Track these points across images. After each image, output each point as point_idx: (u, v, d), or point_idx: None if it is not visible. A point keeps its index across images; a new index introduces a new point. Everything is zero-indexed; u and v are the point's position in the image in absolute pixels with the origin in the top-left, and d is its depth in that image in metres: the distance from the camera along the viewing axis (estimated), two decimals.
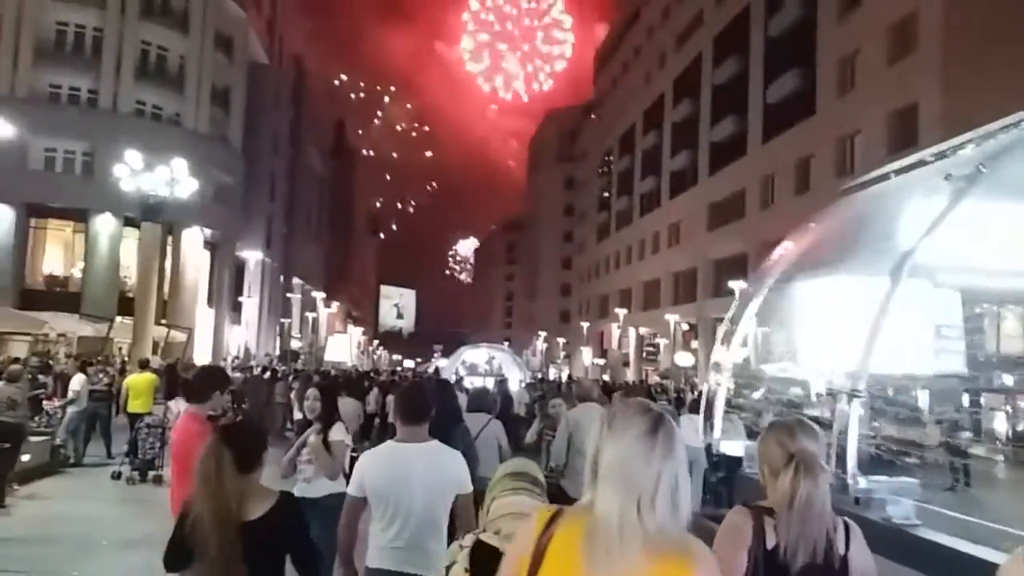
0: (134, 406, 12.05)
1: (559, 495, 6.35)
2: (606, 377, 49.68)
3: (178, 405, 9.38)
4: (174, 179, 26.43)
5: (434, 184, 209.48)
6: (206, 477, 2.94)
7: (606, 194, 70.02)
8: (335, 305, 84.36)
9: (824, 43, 32.55)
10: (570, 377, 41.33)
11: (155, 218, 26.91)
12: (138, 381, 12.55)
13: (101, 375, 13.20)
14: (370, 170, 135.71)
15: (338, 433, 5.28)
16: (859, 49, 29.87)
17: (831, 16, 32.13)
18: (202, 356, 36.95)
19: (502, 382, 23.16)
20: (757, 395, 5.86)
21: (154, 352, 30.30)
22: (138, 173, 25.96)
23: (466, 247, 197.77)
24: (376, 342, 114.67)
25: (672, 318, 43.67)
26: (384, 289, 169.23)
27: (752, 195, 38.57)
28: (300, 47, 63.34)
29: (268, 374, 23.34)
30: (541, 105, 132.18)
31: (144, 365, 14.10)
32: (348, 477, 5.13)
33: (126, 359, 25.70)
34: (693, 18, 49.77)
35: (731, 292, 37.35)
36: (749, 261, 37.50)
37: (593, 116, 79.33)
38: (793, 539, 2.33)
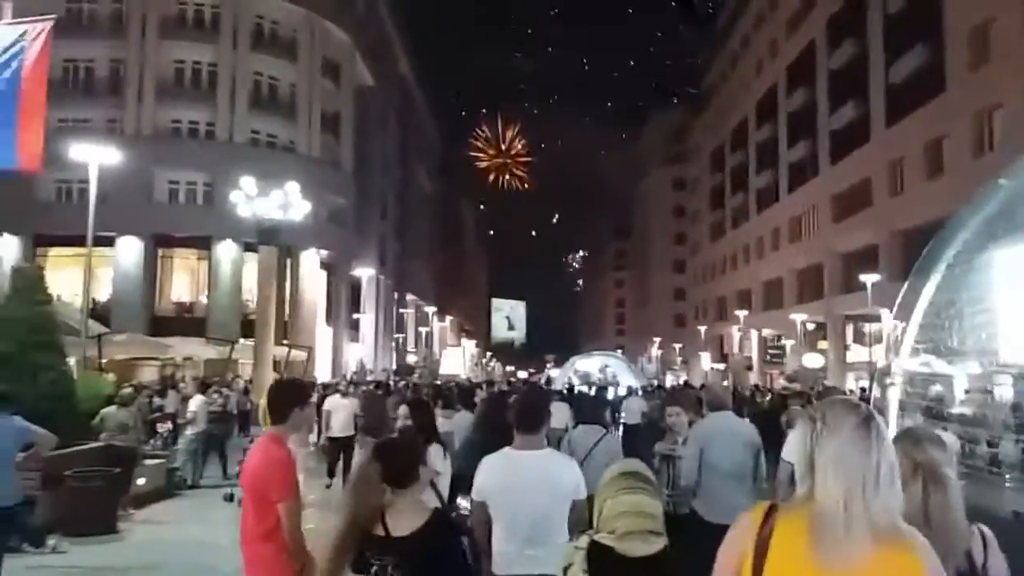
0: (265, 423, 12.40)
1: (690, 518, 5.74)
2: (727, 382, 47.80)
3: None
4: (288, 202, 26.97)
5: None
6: (354, 492, 3.01)
7: (720, 192, 67.74)
8: (448, 319, 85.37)
9: (952, 15, 30.08)
10: (687, 383, 39.85)
11: (272, 241, 27.47)
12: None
13: (216, 396, 13.19)
14: (477, 185, 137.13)
15: (429, 457, 4.43)
16: (993, 17, 27.40)
17: None
18: (323, 373, 37.76)
19: (602, 389, 22.33)
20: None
21: (275, 371, 31.13)
22: (253, 198, 26.63)
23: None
24: (489, 354, 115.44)
25: (798, 317, 41.44)
26: (495, 302, 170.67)
27: (879, 183, 36.12)
28: (404, 67, 64.42)
29: (382, 389, 23.12)
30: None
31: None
32: (445, 502, 4.55)
33: (249, 380, 26.27)
34: (804, 2, 47.44)
35: (862, 287, 35.19)
36: (881, 252, 35.21)
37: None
38: (940, 556, 2.02)
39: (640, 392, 20.81)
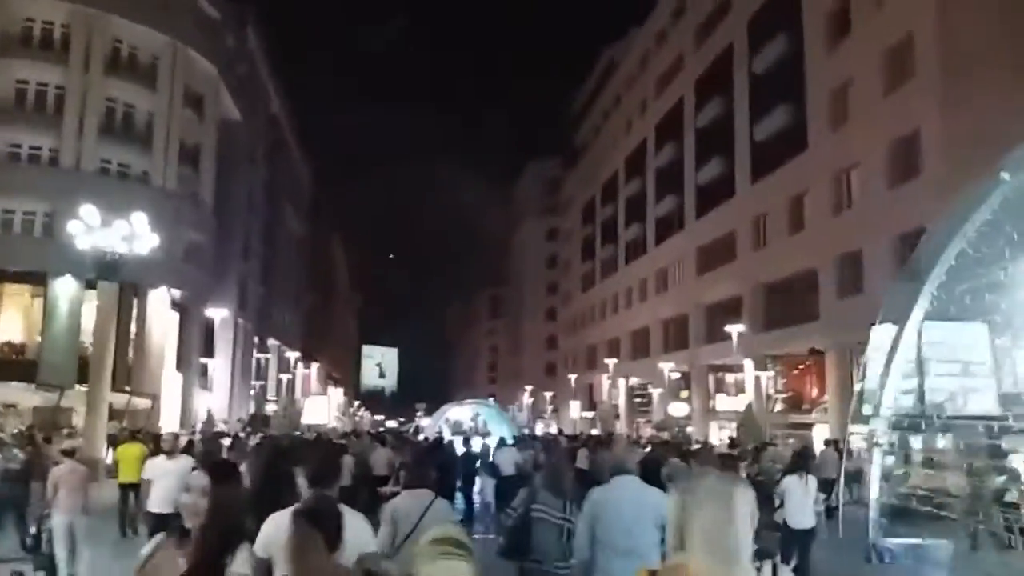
0: (125, 476, 12.35)
1: None
2: (595, 430, 47.68)
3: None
4: (133, 234, 24.68)
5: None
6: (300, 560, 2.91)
7: (591, 243, 68.76)
8: (314, 367, 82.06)
9: (814, 76, 31.60)
10: (560, 432, 39.32)
11: (112, 277, 24.95)
12: (129, 451, 13.04)
13: (16, 451, 11.21)
14: (349, 231, 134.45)
15: (239, 565, 2.98)
16: (852, 78, 28.85)
17: (819, 48, 31.24)
18: (170, 423, 34.76)
19: (466, 440, 21.20)
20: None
21: (114, 420, 28.26)
22: (95, 229, 24.23)
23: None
24: (358, 403, 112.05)
25: (665, 366, 41.91)
26: (366, 348, 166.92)
27: (743, 236, 37.25)
28: (276, 107, 62.29)
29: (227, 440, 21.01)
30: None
31: (134, 434, 15.55)
32: None
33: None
34: (673, 63, 49.23)
35: (726, 337, 35.90)
36: (744, 304, 36.09)
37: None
38: None
39: (512, 442, 19.79)
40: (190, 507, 3.06)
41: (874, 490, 10.64)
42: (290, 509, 3.29)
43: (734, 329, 31.44)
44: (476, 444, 19.87)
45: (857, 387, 28.56)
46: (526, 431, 41.57)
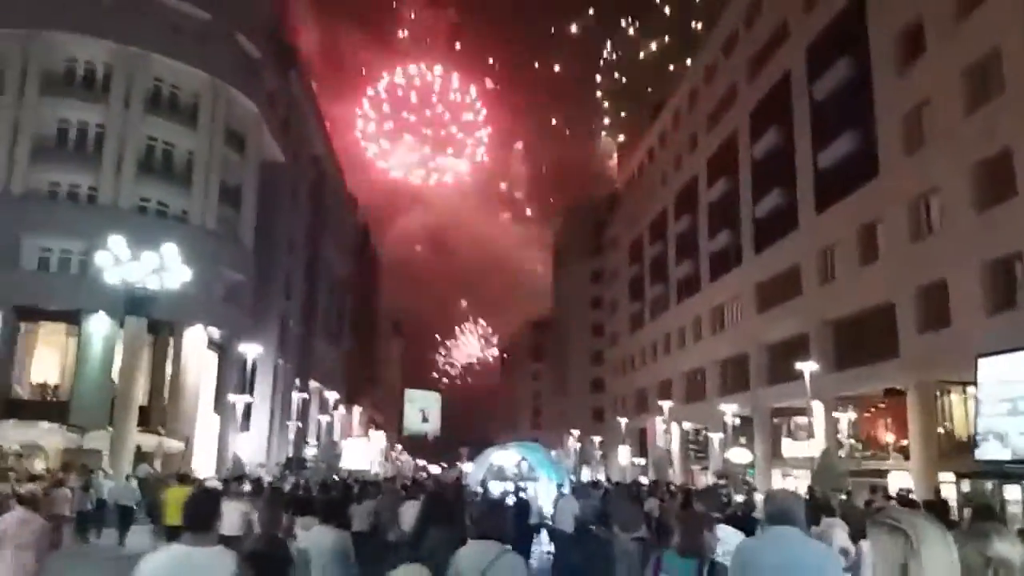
0: (173, 519, 12.12)
1: None
2: (644, 479, 45.14)
3: None
4: (163, 267, 23.49)
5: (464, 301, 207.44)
6: None
7: (639, 282, 66.60)
8: (356, 410, 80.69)
9: (883, 99, 29.51)
10: (608, 480, 36.83)
11: (141, 312, 23.78)
12: (177, 494, 13.20)
13: None
14: (394, 274, 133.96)
15: None
16: (928, 99, 26.75)
17: (889, 70, 29.22)
18: (206, 467, 33.38)
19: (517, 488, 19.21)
20: None
21: (142, 462, 26.99)
22: (124, 263, 23.10)
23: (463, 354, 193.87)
24: (400, 447, 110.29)
25: (729, 408, 39.28)
26: (408, 392, 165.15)
27: (809, 270, 34.91)
28: (319, 147, 61.90)
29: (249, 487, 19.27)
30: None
31: (183, 479, 16.14)
32: None
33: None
34: (725, 96, 47.48)
35: (790, 378, 33.47)
36: (811, 342, 33.66)
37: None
38: None
39: (571, 490, 17.72)
40: None
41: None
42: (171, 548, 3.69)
43: (806, 367, 28.95)
44: (533, 490, 17.78)
45: (940, 429, 26.06)
46: (572, 477, 39.24)
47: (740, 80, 44.89)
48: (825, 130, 33.77)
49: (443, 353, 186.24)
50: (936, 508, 14.66)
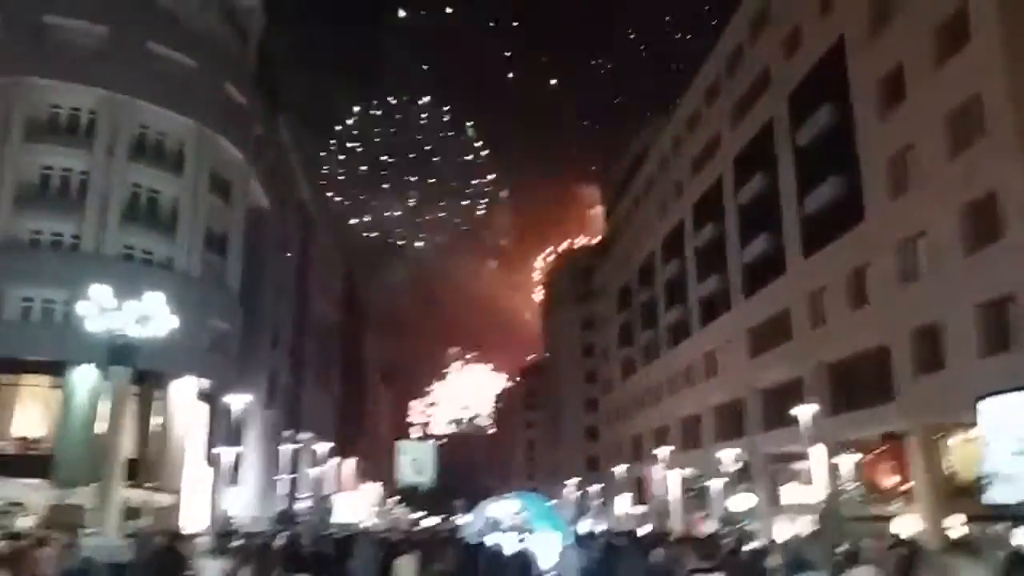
0: None
1: None
2: (642, 528, 44.33)
3: None
4: (147, 315, 23.14)
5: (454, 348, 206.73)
6: None
7: (628, 329, 66.39)
8: (349, 461, 79.51)
9: (866, 144, 29.83)
10: (609, 531, 36.06)
11: (126, 362, 23.33)
12: None
13: None
14: (382, 323, 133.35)
15: None
16: (911, 144, 27.02)
17: (871, 115, 29.57)
18: (196, 522, 32.59)
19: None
20: None
21: (129, 519, 26.37)
22: (107, 311, 22.76)
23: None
24: (393, 499, 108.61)
25: (728, 454, 38.74)
26: (400, 444, 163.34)
27: (799, 314, 34.84)
28: (306, 194, 62.01)
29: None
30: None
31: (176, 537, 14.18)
32: None
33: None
34: (709, 143, 48.00)
35: (787, 422, 33.15)
36: (805, 387, 33.41)
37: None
38: None
39: (572, 541, 17.30)
40: None
41: None
42: None
43: (802, 412, 28.63)
44: (532, 542, 17.24)
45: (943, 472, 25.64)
46: (572, 529, 38.47)
47: (724, 128, 45.40)
48: (810, 175, 34.05)
49: (431, 403, 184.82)
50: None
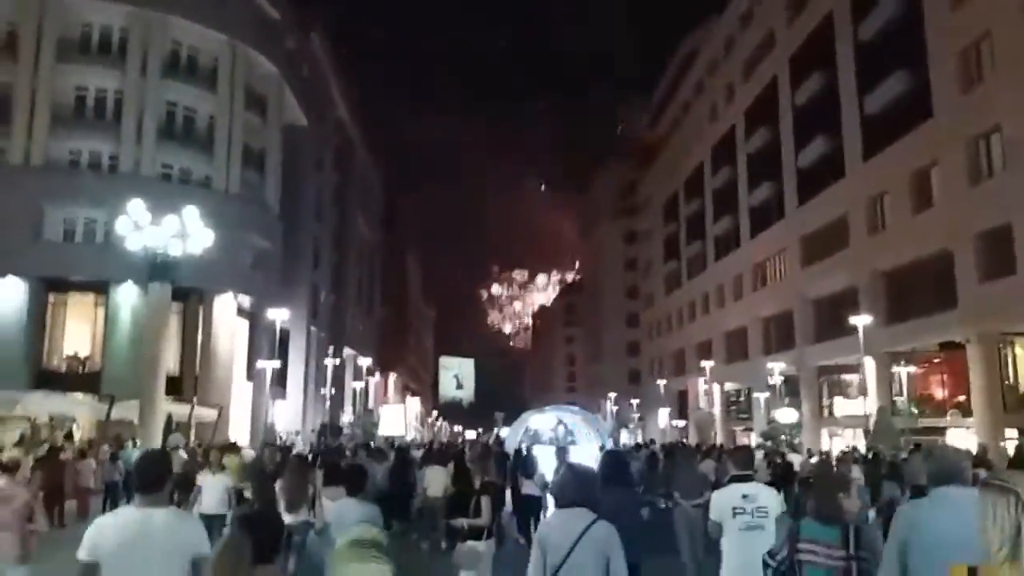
0: None
1: None
2: (685, 440, 44.10)
3: None
4: (185, 232, 22.64)
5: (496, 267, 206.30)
6: (226, 571, 3.01)
7: (674, 241, 64.94)
8: (391, 377, 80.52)
9: (936, 36, 27.68)
10: (652, 441, 35.68)
11: (165, 278, 22.96)
12: (232, 464, 12.18)
13: None
14: (423, 241, 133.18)
15: None
16: (987, 33, 24.90)
17: (942, 4, 27.33)
18: (240, 435, 33.00)
19: (562, 451, 18.25)
20: None
21: (176, 431, 26.56)
22: (144, 228, 22.28)
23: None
24: (436, 413, 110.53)
25: (777, 366, 37.88)
26: (443, 360, 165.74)
27: (857, 220, 33.25)
28: (342, 111, 60.76)
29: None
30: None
31: (231, 448, 14.80)
32: None
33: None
34: (762, 42, 45.40)
35: (838, 334, 32.14)
36: (861, 296, 32.14)
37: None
38: None
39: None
40: None
41: None
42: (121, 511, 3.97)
43: (859, 321, 27.50)
44: (575, 456, 16.71)
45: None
46: (611, 441, 38.23)
47: (778, 25, 42.80)
48: (872, 72, 31.94)
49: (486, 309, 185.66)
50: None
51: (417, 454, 19.65)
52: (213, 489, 10.18)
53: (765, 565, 4.53)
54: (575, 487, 4.51)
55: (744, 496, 5.86)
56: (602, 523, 4.32)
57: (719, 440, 44.60)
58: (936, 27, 27.77)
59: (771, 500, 5.90)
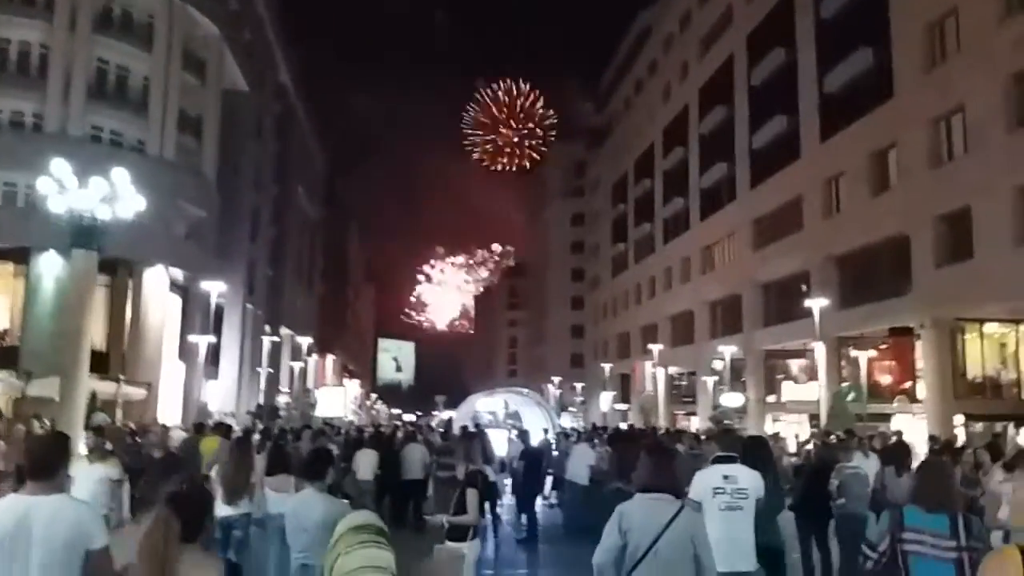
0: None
1: None
2: (623, 424, 43.69)
3: None
4: (115, 195, 20.84)
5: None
6: (153, 549, 2.90)
7: (622, 223, 64.46)
8: (330, 358, 78.61)
9: (901, 12, 27.33)
10: (595, 426, 34.99)
11: (90, 244, 21.13)
12: (208, 444, 12.82)
13: None
14: (366, 220, 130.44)
15: None
16: (953, 9, 24.58)
17: None
18: (170, 415, 31.27)
19: (524, 433, 17.41)
20: None
21: (101, 411, 24.75)
22: (68, 190, 20.42)
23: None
24: (375, 396, 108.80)
25: (727, 349, 37.59)
26: (382, 342, 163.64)
27: (812, 203, 32.99)
28: (284, 77, 58.41)
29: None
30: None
31: (217, 427, 14.63)
32: None
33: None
34: (720, 18, 44.83)
35: (786, 318, 31.96)
36: (813, 280, 31.91)
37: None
38: None
39: (580, 437, 15.85)
40: None
41: None
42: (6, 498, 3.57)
43: (815, 305, 27.18)
44: (535, 439, 15.76)
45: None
46: (558, 423, 37.64)
47: (737, 1, 42.24)
48: (833, 50, 31.56)
49: (416, 299, 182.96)
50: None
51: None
52: (86, 480, 7.44)
53: (865, 558, 4.28)
54: (652, 471, 4.36)
55: (725, 477, 5.85)
56: (689, 512, 4.25)
57: (661, 423, 44.32)
58: (900, 3, 27.43)
59: (752, 482, 5.86)
